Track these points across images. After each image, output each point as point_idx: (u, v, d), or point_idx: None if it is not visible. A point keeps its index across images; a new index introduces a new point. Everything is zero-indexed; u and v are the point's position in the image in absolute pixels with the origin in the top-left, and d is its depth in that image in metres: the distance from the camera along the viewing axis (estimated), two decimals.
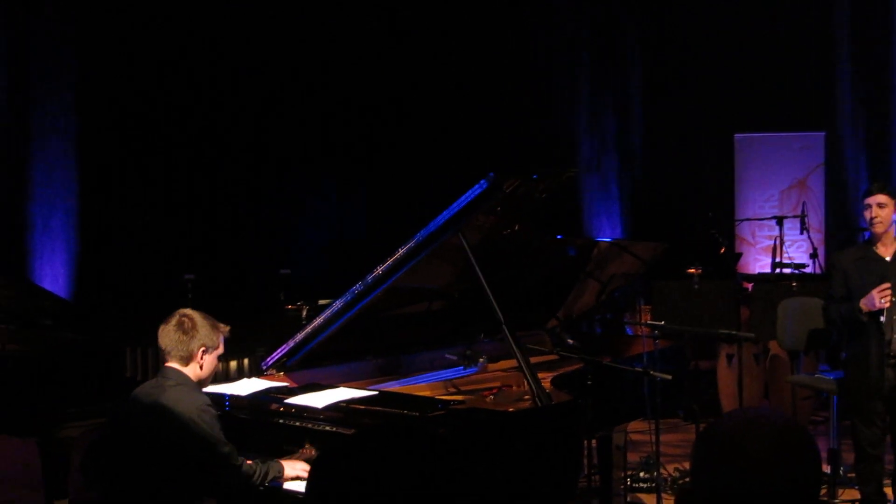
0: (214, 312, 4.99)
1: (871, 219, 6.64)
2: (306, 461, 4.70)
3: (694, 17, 12.61)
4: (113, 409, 5.12)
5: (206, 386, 4.93)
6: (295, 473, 4.66)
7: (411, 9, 12.28)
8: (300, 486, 4.60)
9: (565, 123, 12.96)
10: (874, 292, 6.44)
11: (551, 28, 12.88)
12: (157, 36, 10.86)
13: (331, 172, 12.33)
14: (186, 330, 4.75)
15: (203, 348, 4.77)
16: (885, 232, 6.65)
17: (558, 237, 6.38)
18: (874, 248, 6.72)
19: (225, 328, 4.91)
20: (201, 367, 4.79)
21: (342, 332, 5.49)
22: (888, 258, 6.65)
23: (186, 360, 4.75)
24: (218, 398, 5.07)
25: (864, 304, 6.52)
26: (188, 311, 4.84)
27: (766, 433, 2.22)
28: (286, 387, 5.28)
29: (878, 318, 6.49)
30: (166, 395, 4.62)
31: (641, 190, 12.84)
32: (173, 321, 4.78)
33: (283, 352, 5.54)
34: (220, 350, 4.88)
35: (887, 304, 6.42)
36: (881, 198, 6.61)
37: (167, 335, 4.77)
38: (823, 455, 7.30)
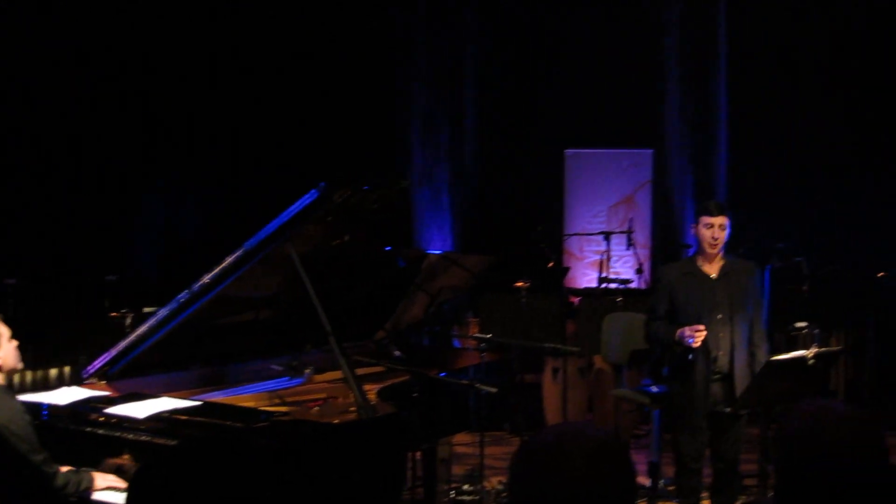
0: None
1: (714, 239, 6.57)
2: (123, 471, 4.62)
3: (527, 34, 12.79)
4: None
5: (17, 370, 4.83)
6: (106, 484, 4.58)
7: (251, 7, 12.17)
8: (112, 497, 4.52)
9: (399, 134, 13.01)
10: (687, 330, 6.42)
11: (388, 40, 12.90)
12: None
13: (162, 172, 12.12)
14: None
15: None
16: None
17: (388, 248, 6.40)
18: (699, 265, 6.70)
19: None
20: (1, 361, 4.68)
21: (167, 341, 5.41)
22: (714, 276, 6.65)
23: None
24: (35, 407, 4.94)
25: (678, 336, 6.50)
26: None
27: (581, 447, 2.26)
28: (107, 396, 5.17)
29: (688, 352, 6.53)
30: None
31: (473, 203, 12.95)
32: None
33: (105, 360, 5.42)
34: (6, 332, 4.76)
35: (696, 345, 6.42)
36: (723, 219, 6.57)
37: None
38: (643, 468, 7.44)
